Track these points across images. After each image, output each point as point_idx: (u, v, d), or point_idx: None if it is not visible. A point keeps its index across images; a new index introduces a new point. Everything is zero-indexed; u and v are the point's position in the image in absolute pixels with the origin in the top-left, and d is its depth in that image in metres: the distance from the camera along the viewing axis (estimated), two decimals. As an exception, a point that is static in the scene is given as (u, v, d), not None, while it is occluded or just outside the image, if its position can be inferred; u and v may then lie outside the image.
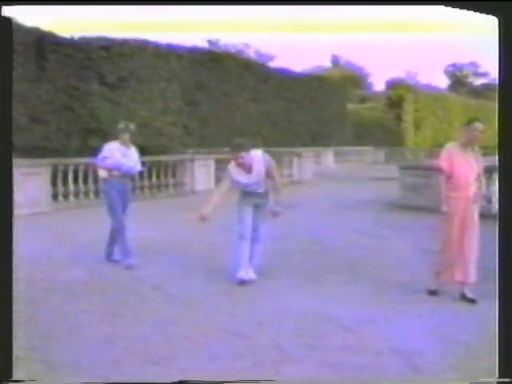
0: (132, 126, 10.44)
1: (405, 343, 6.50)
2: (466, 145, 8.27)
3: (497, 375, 5.10)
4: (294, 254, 11.16)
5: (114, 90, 23.76)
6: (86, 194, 19.01)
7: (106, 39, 23.66)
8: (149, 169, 20.80)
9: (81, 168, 18.73)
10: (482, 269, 8.96)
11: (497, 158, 5.80)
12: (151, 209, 17.90)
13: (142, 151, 23.55)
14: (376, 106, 54.86)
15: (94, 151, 22.14)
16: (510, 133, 5.58)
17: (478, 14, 5.41)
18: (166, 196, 21.08)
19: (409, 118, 54.25)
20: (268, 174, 9.26)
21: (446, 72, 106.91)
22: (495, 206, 15.13)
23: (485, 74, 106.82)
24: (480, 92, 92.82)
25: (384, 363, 5.94)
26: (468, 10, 5.47)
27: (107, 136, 23.36)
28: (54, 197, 17.93)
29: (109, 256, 10.42)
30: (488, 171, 16.54)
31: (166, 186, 21.91)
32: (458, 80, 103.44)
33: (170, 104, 26.24)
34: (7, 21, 5.11)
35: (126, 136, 10.33)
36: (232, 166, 9.39)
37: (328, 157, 38.70)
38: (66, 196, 18.40)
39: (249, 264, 9.21)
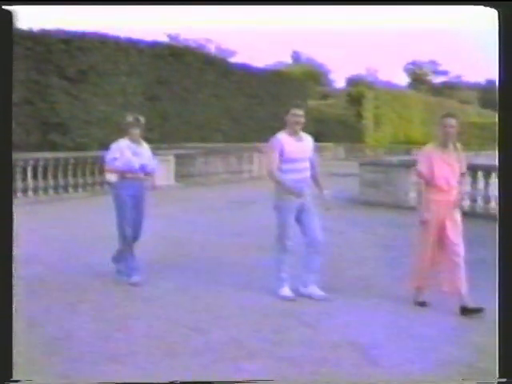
0: (142, 120, 9.16)
1: (363, 337, 6.57)
2: (445, 144, 7.68)
3: (497, 375, 5.17)
4: (254, 250, 11.18)
5: (73, 84, 23.59)
6: (45, 189, 18.82)
7: (65, 32, 23.46)
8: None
9: (40, 163, 18.55)
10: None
11: (497, 157, 5.64)
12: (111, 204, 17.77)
13: (101, 147, 23.51)
14: (336, 102, 55.11)
15: (54, 146, 22.10)
16: (509, 130, 5.50)
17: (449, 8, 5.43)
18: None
19: (369, 114, 54.55)
20: (310, 160, 8.22)
21: (406, 70, 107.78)
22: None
23: (444, 73, 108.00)
24: (439, 90, 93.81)
25: (342, 357, 6.01)
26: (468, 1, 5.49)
27: (67, 130, 23.32)
28: (13, 192, 17.74)
29: (119, 274, 9.09)
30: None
31: (126, 181, 21.76)
32: (418, 78, 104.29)
33: (131, 99, 26.12)
34: (7, 14, 5.03)
35: (137, 131, 9.04)
36: (281, 134, 8.12)
37: (288, 153, 38.66)
38: (25, 191, 18.21)
39: (312, 279, 8.08)
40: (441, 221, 7.62)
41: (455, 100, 79.32)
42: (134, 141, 9.05)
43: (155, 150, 24.31)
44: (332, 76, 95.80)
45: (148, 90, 28.04)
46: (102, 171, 20.35)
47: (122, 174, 8.98)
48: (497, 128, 5.57)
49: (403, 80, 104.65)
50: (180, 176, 23.58)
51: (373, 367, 5.80)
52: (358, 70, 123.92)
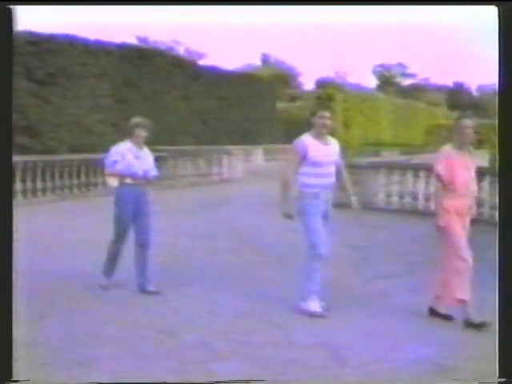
0: (148, 122, 8.67)
1: (332, 338, 6.63)
2: (461, 146, 7.30)
3: (497, 375, 5.25)
4: (223, 252, 11.21)
5: (42, 87, 23.46)
6: (13, 193, 18.68)
7: (33, 34, 23.30)
8: (78, 167, 20.57)
9: (8, 166, 18.38)
10: (411, 263, 9.25)
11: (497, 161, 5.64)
12: (80, 208, 17.74)
13: (71, 149, 23.42)
14: (306, 104, 55.26)
15: (23, 149, 21.95)
16: (510, 128, 5.48)
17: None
18: (95, 195, 20.84)
19: (338, 117, 54.74)
20: (336, 165, 7.74)
21: (375, 72, 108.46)
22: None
23: (412, 75, 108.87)
24: (408, 92, 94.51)
25: (311, 357, 6.06)
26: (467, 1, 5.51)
27: (36, 134, 23.17)
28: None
29: (105, 276, 8.74)
30: (414, 169, 16.96)
31: (95, 184, 21.55)
32: (387, 80, 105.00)
33: (100, 101, 26.04)
34: (7, 11, 5.00)
35: (143, 133, 8.51)
36: (307, 136, 7.66)
37: (258, 155, 38.80)
38: (-8, 195, 18.05)
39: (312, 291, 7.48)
40: (462, 227, 7.23)
41: (423, 102, 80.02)
42: (136, 144, 8.55)
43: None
44: (301, 78, 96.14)
45: (117, 93, 27.96)
46: (71, 175, 20.29)
47: (123, 178, 8.46)
48: (497, 128, 5.54)
49: (372, 82, 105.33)
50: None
51: (341, 367, 5.86)
52: (327, 72, 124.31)
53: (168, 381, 5.43)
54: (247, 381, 5.41)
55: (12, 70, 5.15)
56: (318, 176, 7.48)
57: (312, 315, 7.30)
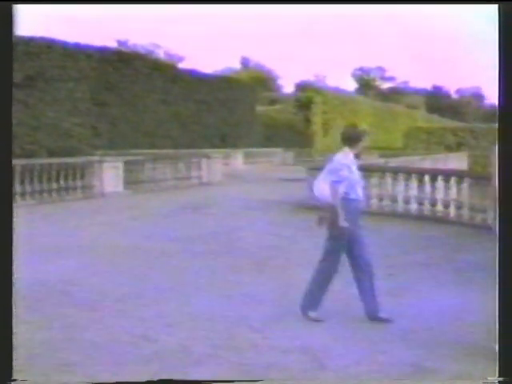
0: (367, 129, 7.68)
1: (312, 341, 6.64)
2: None
3: (497, 375, 5.27)
4: (203, 255, 11.20)
5: (20, 90, 23.31)
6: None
7: (11, 37, 23.18)
8: (57, 171, 20.47)
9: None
10: (390, 266, 9.28)
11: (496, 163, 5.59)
12: (59, 212, 17.65)
13: (50, 153, 23.31)
14: (285, 108, 55.38)
15: None
16: (509, 128, 5.46)
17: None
18: (74, 199, 20.75)
19: (317, 120, 54.97)
20: None
21: (354, 75, 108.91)
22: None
23: (391, 79, 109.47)
24: (387, 95, 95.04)
25: (291, 361, 6.07)
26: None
27: (14, 137, 23.02)
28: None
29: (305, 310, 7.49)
30: (393, 172, 17.07)
31: (74, 188, 21.47)
32: (366, 83, 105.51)
33: (79, 105, 25.94)
34: (7, 8, 4.96)
35: (364, 143, 7.41)
36: None
37: (237, 158, 38.80)
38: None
39: None
40: None
41: (402, 105, 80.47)
42: (355, 155, 7.40)
43: (104, 157, 24.21)
44: (281, 81, 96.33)
45: (96, 96, 27.88)
46: (50, 178, 20.18)
47: (347, 196, 7.29)
48: (497, 129, 5.51)
49: (351, 86, 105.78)
50: (129, 182, 23.46)
51: (321, 370, 5.87)
52: (306, 75, 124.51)
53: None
54: (255, 380, 5.43)
55: (12, 70, 5.10)
56: None
57: None
